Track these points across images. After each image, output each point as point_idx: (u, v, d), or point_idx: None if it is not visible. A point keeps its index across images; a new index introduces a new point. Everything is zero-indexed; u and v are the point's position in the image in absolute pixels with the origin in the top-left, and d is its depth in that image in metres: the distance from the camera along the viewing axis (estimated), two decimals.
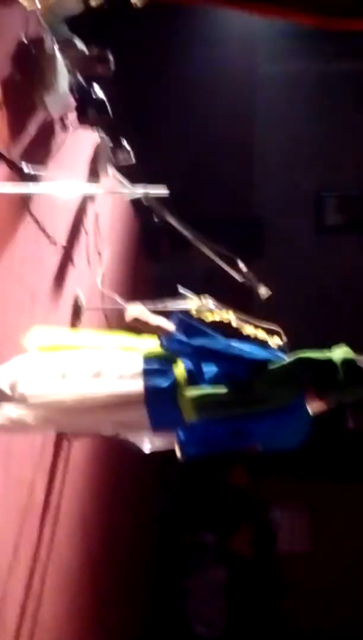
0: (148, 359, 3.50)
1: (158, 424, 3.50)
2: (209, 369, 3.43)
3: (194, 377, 3.43)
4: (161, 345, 3.46)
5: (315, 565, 9.28)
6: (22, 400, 3.49)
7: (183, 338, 3.42)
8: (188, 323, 3.47)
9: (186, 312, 5.01)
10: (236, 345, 3.45)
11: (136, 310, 3.59)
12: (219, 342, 3.43)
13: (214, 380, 3.41)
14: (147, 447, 3.90)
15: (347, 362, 3.35)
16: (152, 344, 3.59)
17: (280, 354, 3.53)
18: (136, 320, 3.53)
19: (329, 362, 3.36)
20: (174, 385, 3.43)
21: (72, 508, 5.52)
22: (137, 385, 3.45)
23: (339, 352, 3.41)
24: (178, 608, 8.81)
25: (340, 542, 9.41)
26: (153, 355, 3.51)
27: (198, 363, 3.43)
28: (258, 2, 2.35)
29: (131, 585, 7.68)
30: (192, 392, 3.38)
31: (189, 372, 3.43)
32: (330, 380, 3.36)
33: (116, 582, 6.99)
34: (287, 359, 3.44)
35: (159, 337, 3.54)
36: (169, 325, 3.49)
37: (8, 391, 3.50)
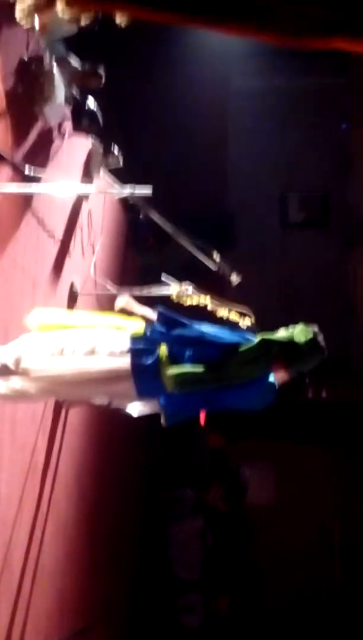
0: (135, 339, 3.52)
1: (142, 393, 3.54)
2: (188, 352, 3.46)
3: (175, 357, 3.46)
4: (145, 336, 3.50)
5: (279, 517, 9.36)
6: (25, 373, 3.50)
7: (163, 329, 3.48)
8: (167, 316, 3.52)
9: (167, 298, 5.05)
10: (210, 331, 3.49)
11: (122, 301, 3.69)
12: (194, 330, 3.48)
13: (192, 361, 3.44)
14: (135, 412, 3.93)
15: (310, 339, 3.46)
16: (138, 324, 3.62)
17: (249, 336, 3.57)
18: (123, 310, 3.62)
19: (291, 342, 3.46)
20: (158, 362, 3.45)
21: (69, 467, 5.53)
22: (125, 362, 3.46)
23: (298, 331, 3.50)
24: (161, 554, 8.86)
25: (301, 497, 9.49)
26: (139, 335, 3.53)
27: (177, 348, 3.47)
28: (228, 21, 2.34)
29: (121, 534, 7.71)
30: (172, 369, 3.41)
31: (170, 352, 3.47)
32: (293, 354, 3.47)
33: (107, 532, 7.01)
34: (255, 340, 3.50)
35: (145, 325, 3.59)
36: (152, 315, 3.55)
37: (12, 366, 3.51)
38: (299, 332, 3.48)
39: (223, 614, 8.74)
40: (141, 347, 3.47)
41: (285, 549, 9.17)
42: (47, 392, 3.68)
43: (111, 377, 3.49)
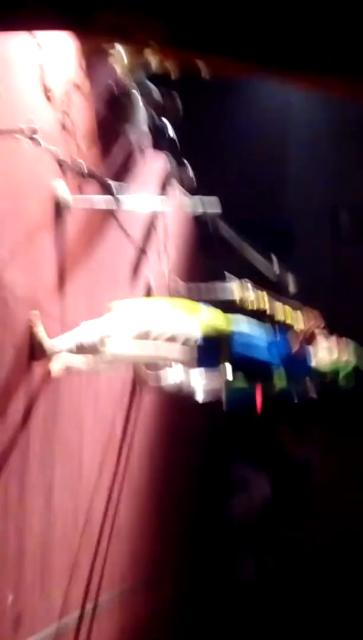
0: (205, 338, 3.63)
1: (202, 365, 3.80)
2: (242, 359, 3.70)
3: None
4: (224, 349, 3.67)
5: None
6: (106, 352, 3.56)
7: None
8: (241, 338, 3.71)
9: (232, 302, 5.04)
10: (264, 352, 3.77)
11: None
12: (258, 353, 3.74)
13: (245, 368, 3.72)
14: (200, 397, 4.00)
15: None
16: (212, 316, 3.72)
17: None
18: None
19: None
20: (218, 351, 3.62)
21: (142, 439, 5.58)
22: (194, 351, 3.64)
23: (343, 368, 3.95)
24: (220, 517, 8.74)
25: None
26: (209, 336, 3.64)
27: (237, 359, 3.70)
28: (300, 77, 2.31)
29: (185, 501, 7.72)
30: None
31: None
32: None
33: (174, 499, 7.05)
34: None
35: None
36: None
37: (98, 344, 3.55)
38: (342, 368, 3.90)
39: None
40: (206, 347, 3.61)
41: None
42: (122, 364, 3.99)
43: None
